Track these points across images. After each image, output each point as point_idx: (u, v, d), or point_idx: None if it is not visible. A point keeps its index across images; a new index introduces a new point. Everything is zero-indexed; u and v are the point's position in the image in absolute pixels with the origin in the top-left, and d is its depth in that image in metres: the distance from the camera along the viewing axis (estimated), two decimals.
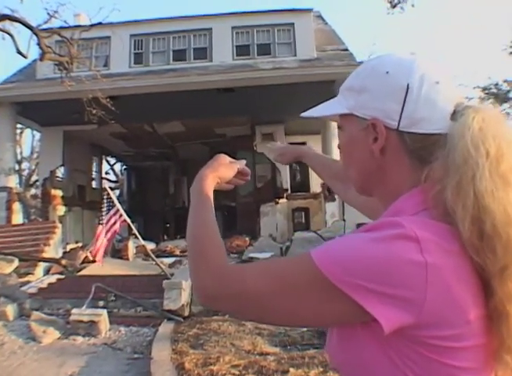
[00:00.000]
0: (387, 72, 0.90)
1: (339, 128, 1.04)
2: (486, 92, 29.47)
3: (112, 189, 27.46)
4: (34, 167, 31.80)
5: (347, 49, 16.22)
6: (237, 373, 4.74)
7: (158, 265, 9.84)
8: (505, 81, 28.63)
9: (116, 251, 13.65)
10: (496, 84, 28.81)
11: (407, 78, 0.88)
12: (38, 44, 10.74)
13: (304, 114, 1.07)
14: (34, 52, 12.90)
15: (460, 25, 67.77)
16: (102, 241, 8.88)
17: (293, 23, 16.35)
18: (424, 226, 0.77)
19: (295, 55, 15.94)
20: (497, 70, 56.48)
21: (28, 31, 10.75)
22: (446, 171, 0.81)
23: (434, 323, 0.75)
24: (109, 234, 8.99)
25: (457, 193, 0.78)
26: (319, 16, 19.27)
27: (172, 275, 9.12)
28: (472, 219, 0.76)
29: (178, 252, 14.69)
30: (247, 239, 15.82)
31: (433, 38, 65.92)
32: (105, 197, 9.66)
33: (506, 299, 0.76)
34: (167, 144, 21.28)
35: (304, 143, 13.53)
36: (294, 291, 0.80)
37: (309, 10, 16.59)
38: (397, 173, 0.91)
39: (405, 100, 0.88)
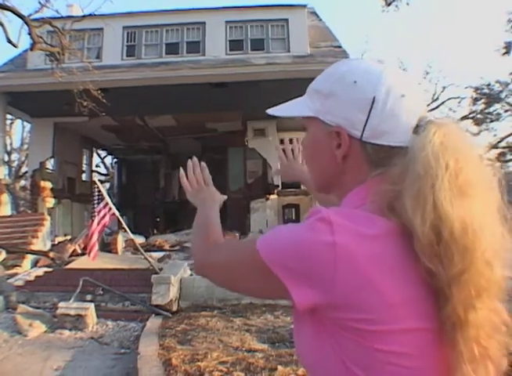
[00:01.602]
0: (355, 82, 0.93)
1: (304, 127, 1.06)
2: (478, 92, 29.58)
3: (102, 182, 27.47)
4: (23, 158, 31.58)
5: (340, 46, 16.18)
6: (225, 369, 4.71)
7: (147, 259, 9.78)
8: (497, 82, 28.75)
9: (105, 245, 13.57)
10: (488, 85, 28.92)
11: (374, 91, 0.91)
12: (29, 33, 10.60)
13: (269, 111, 1.11)
14: (25, 42, 12.76)
15: (454, 25, 68.04)
16: (96, 237, 8.82)
17: (287, 19, 16.28)
18: (344, 214, 0.84)
19: (288, 51, 15.88)
20: (489, 71, 56.74)
21: (19, 20, 10.61)
22: (402, 179, 0.83)
23: (350, 305, 0.78)
24: (99, 227, 8.93)
25: (417, 201, 0.80)
26: (313, 13, 19.23)
27: (161, 269, 9.07)
28: (431, 226, 0.78)
29: (167, 247, 14.62)
30: (237, 234, 15.77)
31: (426, 37, 66.04)
32: (95, 190, 9.58)
33: (463, 306, 0.77)
34: (158, 138, 21.18)
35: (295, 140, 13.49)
36: (242, 267, 0.95)
37: (303, 6, 16.52)
38: (355, 178, 0.95)
39: (369, 112, 0.91)
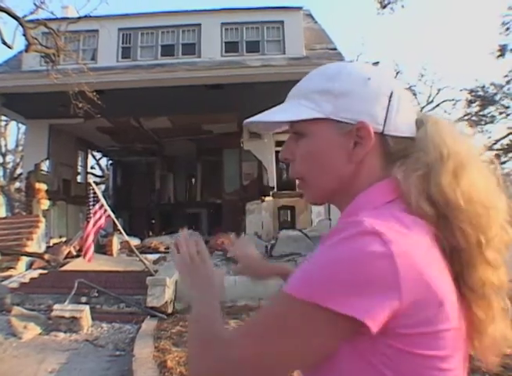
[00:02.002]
0: (369, 78, 0.94)
1: (296, 134, 0.98)
2: (473, 94, 29.70)
3: (98, 184, 27.42)
4: (18, 160, 31.46)
5: (335, 48, 16.21)
6: None
7: (142, 261, 9.77)
8: (492, 84, 28.87)
9: (100, 247, 13.53)
10: (483, 87, 29.04)
11: (389, 86, 0.95)
12: (24, 35, 10.57)
13: (259, 117, 1.01)
14: (19, 43, 12.74)
15: (448, 27, 68.26)
16: (92, 238, 8.80)
17: (282, 21, 16.30)
18: (384, 218, 0.81)
19: (284, 53, 15.90)
20: (484, 73, 56.99)
21: (14, 22, 10.58)
22: (416, 167, 0.90)
23: (413, 311, 0.76)
24: (94, 229, 8.91)
25: (426, 182, 0.88)
26: (309, 15, 19.27)
27: (156, 271, 9.06)
28: (435, 203, 0.86)
29: (162, 249, 14.60)
30: (231, 236, 15.74)
31: (421, 40, 66.26)
32: (90, 191, 9.56)
33: (485, 278, 0.85)
34: (153, 140, 21.16)
35: None
36: (281, 336, 0.79)
37: (299, 8, 16.55)
38: (371, 176, 0.94)
39: (388, 106, 0.93)
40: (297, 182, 1.06)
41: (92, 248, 8.75)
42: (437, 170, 0.89)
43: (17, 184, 29.98)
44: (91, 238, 8.68)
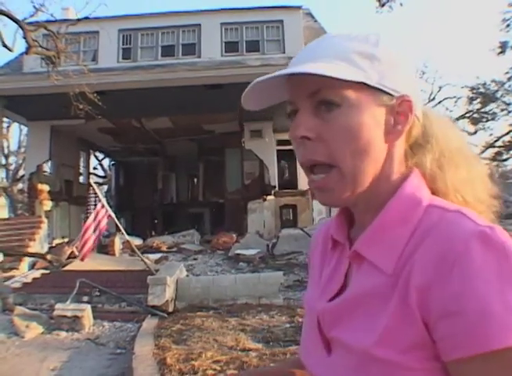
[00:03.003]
0: (396, 48, 0.82)
1: (324, 104, 0.76)
2: (474, 91, 29.65)
3: (100, 184, 27.52)
4: (21, 161, 31.56)
5: None
6: (218, 368, 4.75)
7: (143, 260, 9.83)
8: (493, 81, 28.83)
9: (102, 247, 13.61)
10: (484, 84, 29.00)
11: (413, 62, 0.88)
12: (24, 37, 10.66)
13: (300, 70, 0.73)
14: (20, 46, 12.82)
15: (449, 25, 68.14)
16: (90, 238, 8.83)
17: (282, 20, 16.38)
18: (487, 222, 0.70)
19: (284, 52, 15.97)
20: (485, 70, 56.84)
21: (15, 24, 10.67)
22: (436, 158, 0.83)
23: None
24: (97, 231, 8.94)
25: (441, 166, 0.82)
26: (309, 14, 19.29)
27: (157, 271, 9.12)
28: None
29: (164, 248, 14.67)
30: (234, 235, 15.82)
31: (422, 37, 66.16)
32: (91, 192, 9.63)
33: None
34: (155, 140, 21.24)
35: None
36: None
37: (298, 7, 16.62)
38: (398, 161, 0.81)
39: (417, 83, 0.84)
40: (312, 175, 0.79)
41: (88, 247, 8.75)
42: (454, 163, 0.83)
43: (20, 185, 30.13)
44: (91, 240, 8.71)
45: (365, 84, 0.75)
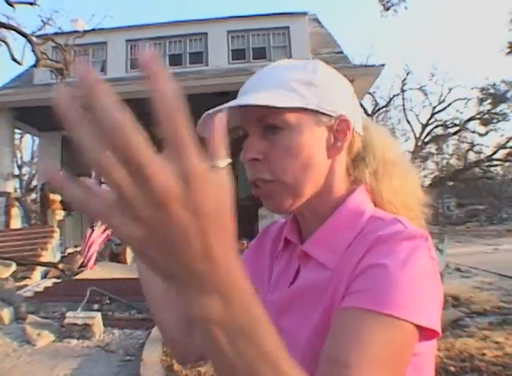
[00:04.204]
0: (333, 73, 0.91)
1: (270, 128, 0.85)
2: (484, 92, 29.55)
3: None
4: (34, 171, 31.95)
5: (342, 52, 16.32)
6: None
7: None
8: (502, 82, 28.72)
9: (114, 255, 13.73)
10: (494, 85, 28.91)
11: (347, 81, 0.93)
12: (33, 51, 10.86)
13: (238, 102, 0.87)
14: (30, 58, 13.04)
15: (458, 25, 67.88)
16: (95, 247, 8.94)
17: (288, 27, 16.46)
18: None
19: (290, 58, 15.90)
20: (495, 71, 56.52)
21: (23, 38, 10.87)
22: (374, 170, 0.93)
23: None
24: (100, 239, 9.05)
25: (377, 179, 0.92)
26: (315, 19, 19.36)
27: None
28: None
29: None
30: (245, 242, 15.85)
31: (430, 39, 65.98)
32: None
33: None
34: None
35: None
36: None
37: (304, 13, 16.69)
38: (339, 174, 0.90)
39: (354, 102, 0.92)
40: (257, 188, 0.90)
41: (94, 257, 8.87)
42: (389, 174, 0.92)
43: (33, 195, 30.44)
44: (94, 247, 8.82)
45: (304, 108, 0.84)
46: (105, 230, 9.01)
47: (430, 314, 0.69)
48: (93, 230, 8.99)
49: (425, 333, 0.69)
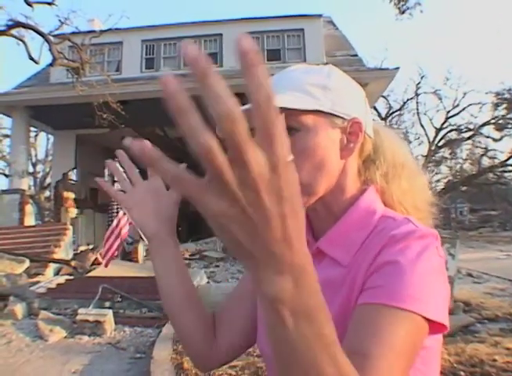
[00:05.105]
0: (346, 78, 0.95)
1: (291, 129, 0.87)
2: (499, 97, 29.29)
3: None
4: (48, 169, 32.20)
5: (356, 55, 16.31)
6: (234, 373, 4.84)
7: None
8: None
9: (126, 254, 13.83)
10: (509, 90, 28.62)
11: (360, 86, 0.98)
12: (50, 50, 10.97)
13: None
14: (47, 57, 13.19)
15: (473, 30, 67.41)
16: (112, 245, 9.00)
17: (302, 29, 16.48)
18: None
19: (304, 60, 16.02)
20: (510, 75, 56.05)
21: (41, 37, 10.98)
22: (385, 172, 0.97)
23: None
24: (119, 238, 9.12)
25: (387, 181, 0.97)
26: (330, 22, 19.38)
27: None
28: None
29: (187, 255, 14.79)
30: None
31: (445, 44, 65.63)
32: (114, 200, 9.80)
33: None
34: (178, 148, 21.42)
35: None
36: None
37: (319, 16, 16.70)
38: (352, 175, 0.95)
39: (366, 106, 0.97)
40: None
41: (110, 254, 8.94)
42: (398, 176, 0.97)
43: (47, 193, 30.70)
44: (115, 246, 8.89)
45: (319, 110, 0.87)
46: (121, 229, 9.05)
47: (440, 308, 0.73)
48: (111, 230, 9.00)
49: (434, 326, 0.73)
